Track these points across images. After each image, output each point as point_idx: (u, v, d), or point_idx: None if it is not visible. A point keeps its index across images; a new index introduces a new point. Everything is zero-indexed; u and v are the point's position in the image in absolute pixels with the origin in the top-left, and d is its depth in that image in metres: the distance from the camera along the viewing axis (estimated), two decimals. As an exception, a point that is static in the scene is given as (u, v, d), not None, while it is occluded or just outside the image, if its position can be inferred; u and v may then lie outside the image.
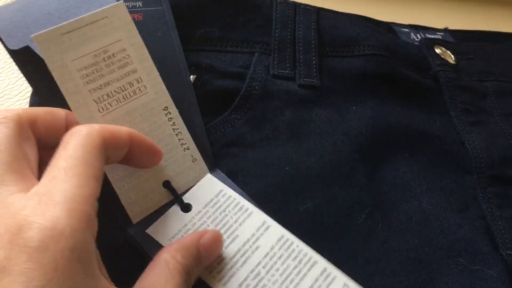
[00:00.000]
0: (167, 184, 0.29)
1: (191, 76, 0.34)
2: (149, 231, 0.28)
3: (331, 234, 0.30)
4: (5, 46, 0.28)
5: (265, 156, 0.32)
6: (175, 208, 0.29)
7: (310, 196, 0.31)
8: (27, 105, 0.33)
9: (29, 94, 0.35)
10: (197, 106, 0.32)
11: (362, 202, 0.31)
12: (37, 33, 0.25)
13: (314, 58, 0.36)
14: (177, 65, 0.32)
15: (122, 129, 0.25)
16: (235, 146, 0.33)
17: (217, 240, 0.26)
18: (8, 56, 0.37)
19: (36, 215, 0.19)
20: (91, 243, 0.20)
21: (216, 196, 0.30)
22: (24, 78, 0.34)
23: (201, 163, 0.30)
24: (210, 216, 0.29)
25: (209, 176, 0.30)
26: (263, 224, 0.29)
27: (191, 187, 0.30)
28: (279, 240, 0.28)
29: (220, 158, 0.32)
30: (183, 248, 0.24)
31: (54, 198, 0.20)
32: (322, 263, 0.27)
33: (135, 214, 0.28)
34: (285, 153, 0.32)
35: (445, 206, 0.32)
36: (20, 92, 0.35)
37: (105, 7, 0.28)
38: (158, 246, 0.27)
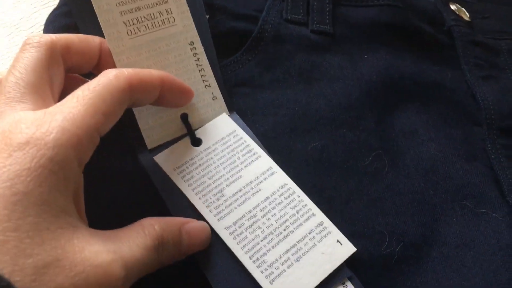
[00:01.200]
0: (184, 117, 0.29)
1: (204, 16, 0.34)
2: (156, 158, 0.28)
3: (337, 172, 0.30)
4: None
5: (274, 97, 0.32)
6: (186, 141, 0.29)
7: (318, 136, 0.31)
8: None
9: (42, 27, 0.35)
10: (213, 48, 0.32)
11: (370, 145, 0.31)
12: None
13: (328, 5, 0.36)
14: (194, 4, 0.32)
15: (154, 74, 0.25)
16: (245, 87, 0.33)
17: (203, 231, 0.25)
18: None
19: (31, 125, 0.20)
20: (72, 165, 0.21)
21: (227, 136, 0.30)
22: (38, 12, 0.34)
23: (221, 102, 0.31)
24: (218, 154, 0.29)
25: (224, 115, 0.30)
26: (268, 170, 0.29)
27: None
28: (281, 187, 0.28)
29: (230, 97, 0.32)
30: (165, 223, 0.24)
31: (55, 117, 0.21)
32: (319, 216, 0.27)
33: (151, 140, 0.28)
34: (295, 95, 0.32)
35: (453, 153, 0.32)
36: (34, 25, 0.35)
37: None
38: (163, 175, 0.28)
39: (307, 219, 0.27)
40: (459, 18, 0.39)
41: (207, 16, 0.34)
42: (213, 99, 0.30)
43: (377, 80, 0.34)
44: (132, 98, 0.24)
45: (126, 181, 0.28)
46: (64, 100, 0.22)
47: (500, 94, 0.35)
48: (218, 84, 0.31)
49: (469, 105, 0.35)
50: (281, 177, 0.29)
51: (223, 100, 0.31)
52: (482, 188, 0.30)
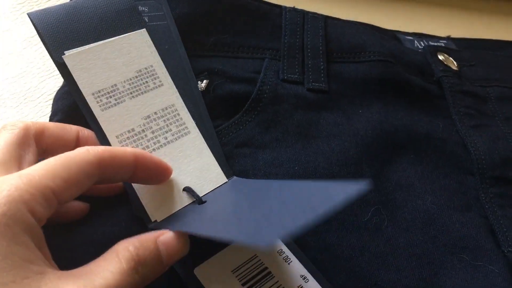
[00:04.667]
0: (188, 189, 0.30)
1: (204, 81, 0.36)
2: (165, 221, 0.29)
3: (339, 230, 0.31)
4: (51, 55, 0.29)
5: (275, 156, 0.34)
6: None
7: (319, 195, 0.32)
8: (49, 107, 0.35)
9: (49, 97, 0.36)
10: (208, 115, 0.33)
11: (369, 201, 0.33)
12: (69, 53, 0.28)
13: (322, 63, 0.38)
14: (186, 75, 0.34)
15: (127, 152, 0.26)
16: (246, 147, 0.34)
17: (179, 239, 0.25)
18: (29, 61, 0.39)
19: None
20: (27, 218, 0.21)
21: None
22: (45, 81, 0.35)
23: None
24: None
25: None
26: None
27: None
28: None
29: (232, 158, 0.33)
30: (139, 241, 0.24)
31: (11, 178, 0.22)
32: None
33: (156, 214, 0.29)
34: (294, 154, 0.34)
35: (448, 205, 0.33)
36: (42, 95, 0.37)
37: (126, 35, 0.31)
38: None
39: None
40: (447, 67, 0.41)
41: (207, 81, 0.36)
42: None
43: (372, 135, 0.35)
44: (103, 173, 0.25)
45: None
46: (33, 165, 0.23)
47: (490, 142, 0.36)
48: (217, 150, 0.32)
49: (461, 155, 0.36)
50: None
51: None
52: (479, 240, 0.31)
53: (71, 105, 0.31)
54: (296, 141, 0.35)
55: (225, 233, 0.22)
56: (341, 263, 0.30)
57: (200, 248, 0.27)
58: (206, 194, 0.31)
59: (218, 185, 0.31)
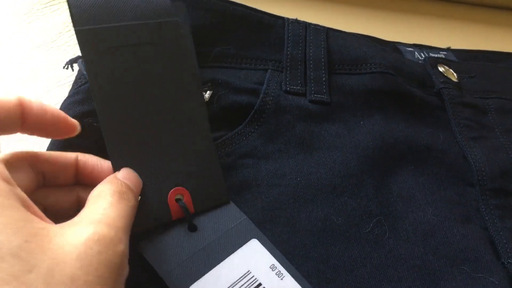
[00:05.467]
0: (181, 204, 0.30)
1: (208, 92, 0.36)
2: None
3: (341, 241, 0.31)
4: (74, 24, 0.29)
5: (277, 167, 0.34)
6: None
7: (321, 205, 0.32)
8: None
9: (57, 106, 0.36)
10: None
11: (370, 212, 0.33)
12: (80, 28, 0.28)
13: (324, 75, 0.38)
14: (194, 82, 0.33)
15: (12, 97, 0.25)
16: (249, 158, 0.34)
17: (129, 172, 0.28)
18: (36, 70, 0.39)
19: None
20: (4, 187, 0.21)
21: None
22: (52, 91, 0.36)
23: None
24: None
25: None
26: None
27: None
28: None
29: (235, 169, 0.34)
30: (108, 182, 0.26)
31: None
32: None
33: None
34: (297, 165, 0.34)
35: (449, 217, 0.34)
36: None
37: None
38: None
39: None
40: (447, 79, 0.41)
41: (211, 92, 0.36)
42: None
43: (373, 146, 0.36)
44: None
45: None
46: None
47: (490, 154, 0.37)
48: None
49: (461, 166, 0.36)
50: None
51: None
52: (479, 252, 0.32)
53: (76, 115, 0.31)
54: (299, 153, 0.35)
55: None
56: (343, 274, 0.30)
57: (195, 265, 0.28)
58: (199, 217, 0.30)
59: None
